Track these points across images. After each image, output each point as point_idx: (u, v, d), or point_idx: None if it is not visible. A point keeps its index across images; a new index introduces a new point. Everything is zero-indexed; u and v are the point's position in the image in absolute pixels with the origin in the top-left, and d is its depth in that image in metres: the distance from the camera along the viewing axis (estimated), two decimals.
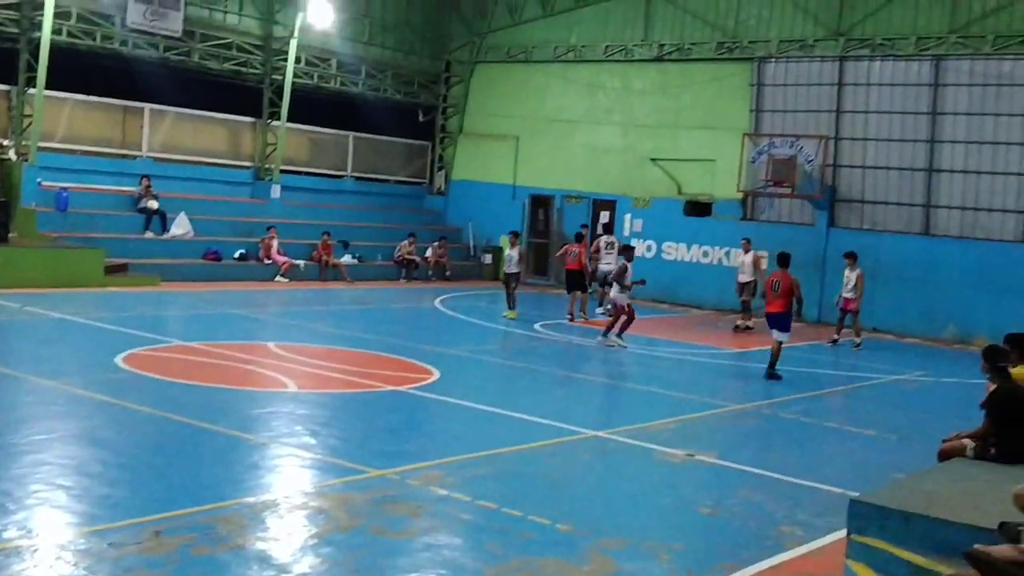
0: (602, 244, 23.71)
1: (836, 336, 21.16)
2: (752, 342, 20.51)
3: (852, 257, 21.14)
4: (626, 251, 19.57)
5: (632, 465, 10.26)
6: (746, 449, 11.28)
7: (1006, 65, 22.88)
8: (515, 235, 22.49)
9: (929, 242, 23.78)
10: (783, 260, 16.51)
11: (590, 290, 23.16)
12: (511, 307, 21.41)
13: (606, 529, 7.88)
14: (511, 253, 22.04)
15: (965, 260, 22.99)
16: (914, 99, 24.09)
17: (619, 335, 18.35)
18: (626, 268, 18.66)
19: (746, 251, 23.27)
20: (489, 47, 31.46)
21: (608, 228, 27.06)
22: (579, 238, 23.84)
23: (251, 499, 7.96)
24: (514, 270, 21.75)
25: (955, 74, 23.57)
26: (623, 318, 18.38)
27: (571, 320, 21.87)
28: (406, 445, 10.23)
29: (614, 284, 18.80)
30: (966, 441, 8.90)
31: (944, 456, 8.98)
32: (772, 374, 16.00)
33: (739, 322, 22.68)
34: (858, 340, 20.72)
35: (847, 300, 20.99)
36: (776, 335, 16.07)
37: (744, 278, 23.08)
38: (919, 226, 24.15)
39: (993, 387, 8.94)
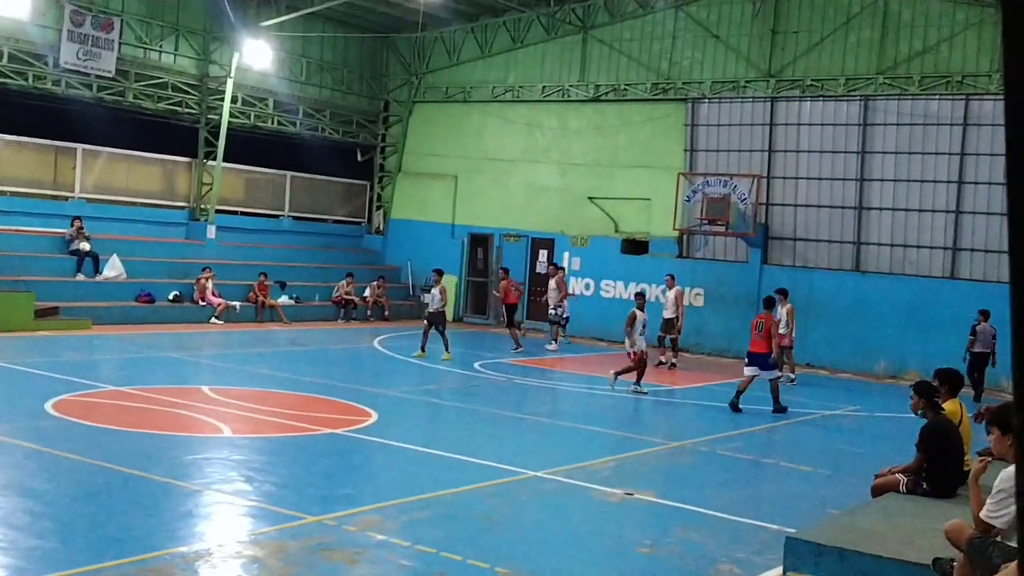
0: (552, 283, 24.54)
1: (779, 372, 21.33)
2: (686, 380, 20.66)
3: (783, 293, 21.44)
4: (638, 298, 19.31)
5: (571, 505, 10.24)
6: (684, 487, 11.32)
7: (932, 105, 23.54)
8: (439, 273, 21.76)
9: (860, 278, 24.25)
10: (768, 303, 17.92)
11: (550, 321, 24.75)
12: (423, 348, 20.94)
13: (545, 571, 7.84)
14: (434, 292, 21.30)
15: (895, 296, 23.47)
16: (844, 138, 24.66)
17: (637, 383, 18.05)
18: (635, 315, 18.31)
19: (670, 287, 23.39)
20: (427, 87, 31.60)
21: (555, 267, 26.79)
22: (506, 273, 25.88)
23: (183, 548, 7.79)
24: (438, 308, 21.02)
25: (883, 114, 24.19)
26: (639, 365, 18.02)
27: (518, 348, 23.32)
28: (343, 490, 10.11)
29: (626, 332, 18.36)
30: (898, 476, 9.06)
31: (877, 491, 9.13)
32: (778, 408, 16.83)
33: (662, 358, 22.56)
34: (792, 376, 20.97)
35: (779, 336, 21.24)
36: (764, 374, 16.85)
37: (668, 314, 23.06)
38: (850, 263, 24.63)
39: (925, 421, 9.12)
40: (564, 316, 24.84)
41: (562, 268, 26.25)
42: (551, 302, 24.55)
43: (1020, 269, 1.43)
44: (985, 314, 20.25)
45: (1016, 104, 1.40)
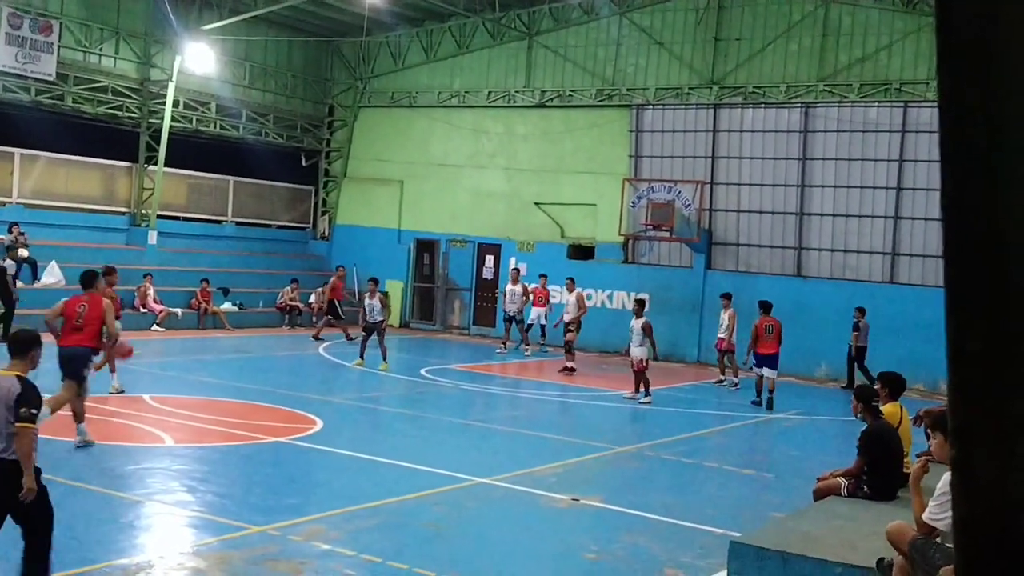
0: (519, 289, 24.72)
1: (722, 376, 21.57)
2: (630, 385, 20.76)
3: (727, 298, 21.67)
4: (638, 305, 19.02)
5: (518, 512, 10.24)
6: (630, 492, 11.38)
7: (871, 112, 23.94)
8: (374, 282, 21.34)
9: (802, 283, 24.57)
10: (768, 307, 19.11)
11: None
12: (362, 356, 20.59)
13: None
14: (372, 302, 20.77)
15: (836, 300, 23.79)
16: (785, 145, 24.98)
17: (646, 392, 18.07)
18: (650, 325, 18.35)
19: (570, 291, 23.47)
20: (373, 91, 31.48)
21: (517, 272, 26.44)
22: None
23: (124, 560, 7.66)
24: (378, 319, 20.64)
25: (823, 121, 24.55)
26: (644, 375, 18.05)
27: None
28: (288, 499, 10.01)
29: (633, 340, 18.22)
30: (840, 479, 9.18)
31: (819, 494, 9.24)
32: (771, 403, 18.35)
33: (569, 365, 22.02)
34: (735, 380, 21.19)
35: (720, 340, 21.50)
36: (767, 372, 18.52)
37: (568, 317, 22.92)
38: (792, 268, 24.96)
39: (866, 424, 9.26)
40: (529, 324, 24.84)
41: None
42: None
43: (954, 276, 1.45)
44: (862, 311, 21.90)
45: (950, 109, 1.42)
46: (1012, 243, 1.34)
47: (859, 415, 9.32)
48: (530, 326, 24.98)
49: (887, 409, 9.47)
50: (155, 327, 24.58)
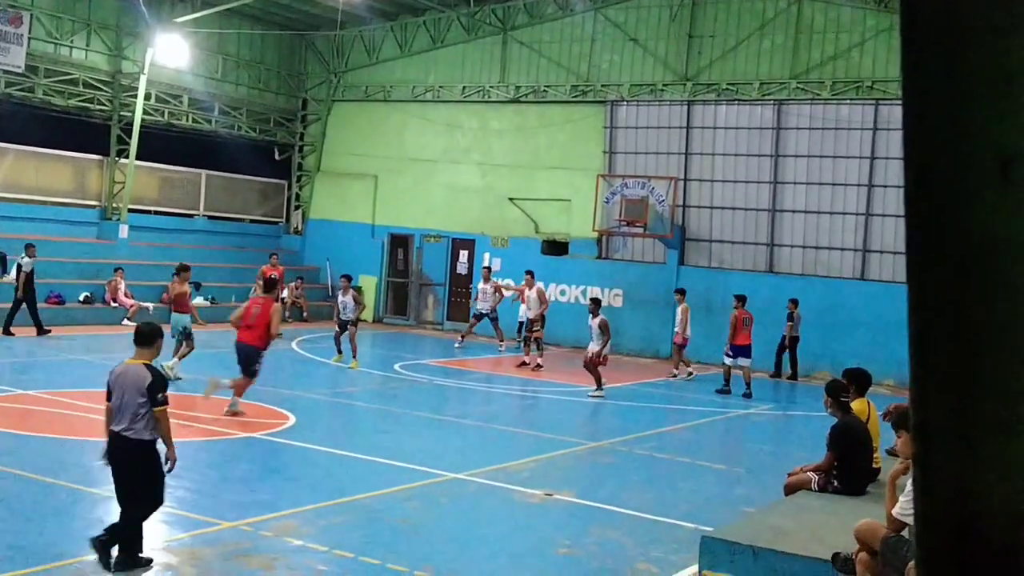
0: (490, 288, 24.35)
1: (675, 371, 21.74)
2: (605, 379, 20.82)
3: (680, 293, 22.08)
4: (594, 304, 19.25)
5: (491, 507, 10.27)
6: (602, 487, 11.43)
7: (843, 110, 24.11)
8: (347, 279, 20.86)
9: (774, 279, 24.72)
10: (743, 300, 20.07)
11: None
12: (340, 351, 20.29)
13: (465, 573, 7.86)
14: (344, 299, 20.37)
15: (807, 297, 23.92)
16: (758, 142, 25.11)
17: (598, 386, 18.22)
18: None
19: (530, 286, 23.16)
20: (347, 85, 31.36)
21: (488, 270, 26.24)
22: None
23: (94, 556, 7.61)
24: (350, 316, 20.15)
25: (796, 118, 24.70)
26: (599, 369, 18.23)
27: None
28: (260, 494, 9.98)
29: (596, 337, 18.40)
30: (810, 475, 9.26)
31: (790, 489, 9.32)
32: (748, 394, 19.30)
33: (527, 360, 22.02)
34: (690, 370, 21.59)
35: (676, 334, 21.72)
36: (742, 362, 19.65)
37: (531, 314, 22.60)
38: (764, 264, 25.10)
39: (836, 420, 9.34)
40: (520, 321, 24.42)
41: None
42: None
43: (915, 271, 1.48)
44: (795, 302, 22.78)
45: (913, 104, 1.45)
46: (976, 237, 1.37)
47: (829, 410, 9.40)
48: (521, 324, 24.60)
49: (856, 405, 9.57)
50: (126, 321, 24.37)
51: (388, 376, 19.41)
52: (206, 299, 27.21)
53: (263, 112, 31.06)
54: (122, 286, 24.79)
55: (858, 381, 9.87)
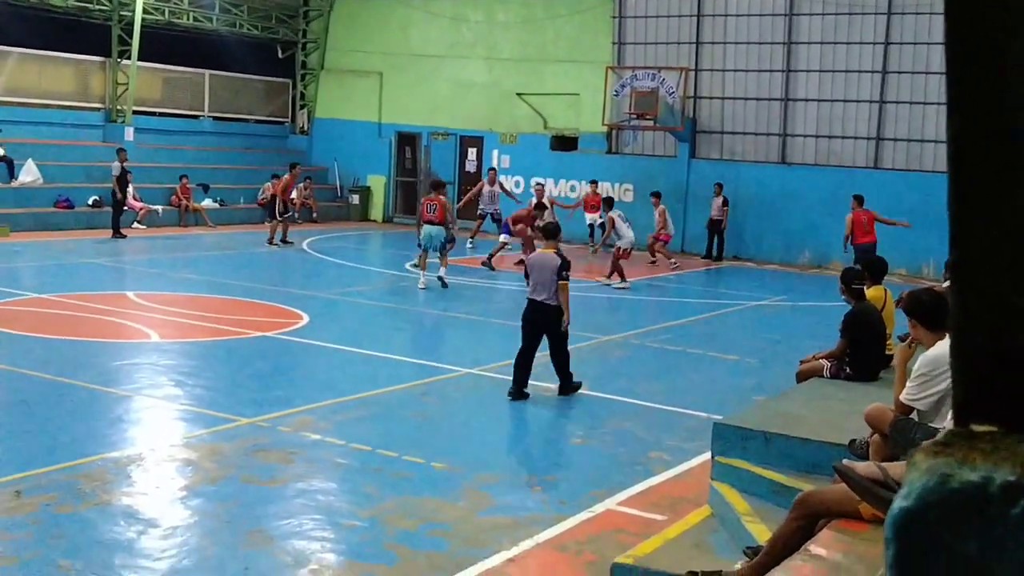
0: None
1: (674, 262, 22.05)
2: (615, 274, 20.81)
3: (656, 196, 22.57)
4: (606, 204, 20.31)
5: (504, 401, 10.34)
6: (616, 379, 11.50)
7: None
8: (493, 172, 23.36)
9: (786, 170, 24.48)
10: (861, 200, 19.79)
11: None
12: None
13: (481, 465, 7.95)
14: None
15: (820, 187, 23.75)
16: (770, 29, 24.58)
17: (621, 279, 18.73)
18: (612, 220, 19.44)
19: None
20: None
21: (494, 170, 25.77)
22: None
23: (115, 454, 7.74)
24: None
25: (809, 3, 24.11)
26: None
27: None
28: (276, 392, 10.08)
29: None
30: (822, 361, 9.27)
31: (802, 377, 9.34)
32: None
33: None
34: (674, 262, 21.88)
35: (661, 232, 22.34)
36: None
37: (624, 242, 20.31)
38: (776, 155, 24.82)
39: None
40: (497, 218, 24.16)
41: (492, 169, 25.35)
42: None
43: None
44: (720, 187, 23.67)
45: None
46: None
47: (844, 296, 9.38)
48: (591, 227, 24.39)
49: (872, 292, 9.53)
50: (136, 224, 24.39)
51: (399, 275, 19.43)
52: (215, 201, 27.15)
53: (264, 8, 30.47)
54: (130, 189, 24.67)
55: (871, 269, 9.82)
